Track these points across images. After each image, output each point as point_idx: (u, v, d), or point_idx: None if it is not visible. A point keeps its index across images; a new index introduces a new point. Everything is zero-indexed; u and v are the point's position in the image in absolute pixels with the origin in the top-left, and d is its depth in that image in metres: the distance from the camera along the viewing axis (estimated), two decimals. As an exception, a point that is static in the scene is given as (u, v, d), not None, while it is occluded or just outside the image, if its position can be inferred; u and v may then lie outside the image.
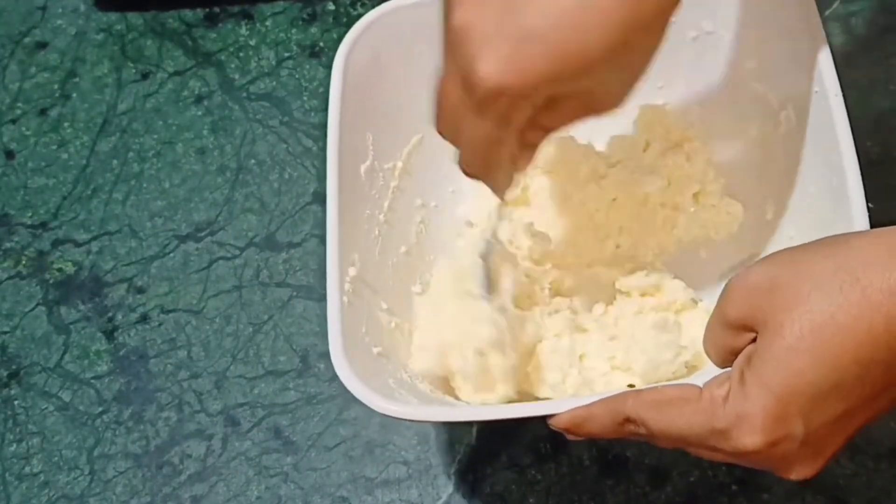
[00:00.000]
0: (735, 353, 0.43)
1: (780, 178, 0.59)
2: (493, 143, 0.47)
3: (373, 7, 0.61)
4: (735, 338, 0.43)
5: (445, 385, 0.56)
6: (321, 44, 0.77)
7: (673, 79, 0.63)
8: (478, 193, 0.64)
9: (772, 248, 0.58)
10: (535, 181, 0.63)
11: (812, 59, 0.54)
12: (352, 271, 0.54)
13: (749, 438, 0.41)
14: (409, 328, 0.58)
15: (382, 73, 0.61)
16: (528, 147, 0.50)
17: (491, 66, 0.43)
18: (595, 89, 0.45)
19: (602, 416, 0.46)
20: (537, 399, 0.56)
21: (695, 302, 0.59)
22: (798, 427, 0.40)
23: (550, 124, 0.49)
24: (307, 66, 0.76)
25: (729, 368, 0.43)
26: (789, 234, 0.57)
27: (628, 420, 0.45)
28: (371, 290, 0.56)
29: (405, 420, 0.53)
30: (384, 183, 0.60)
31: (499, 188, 0.52)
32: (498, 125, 0.46)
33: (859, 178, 0.51)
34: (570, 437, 0.48)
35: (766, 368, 0.40)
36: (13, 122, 0.78)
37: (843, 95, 0.53)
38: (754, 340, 0.42)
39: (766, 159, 0.60)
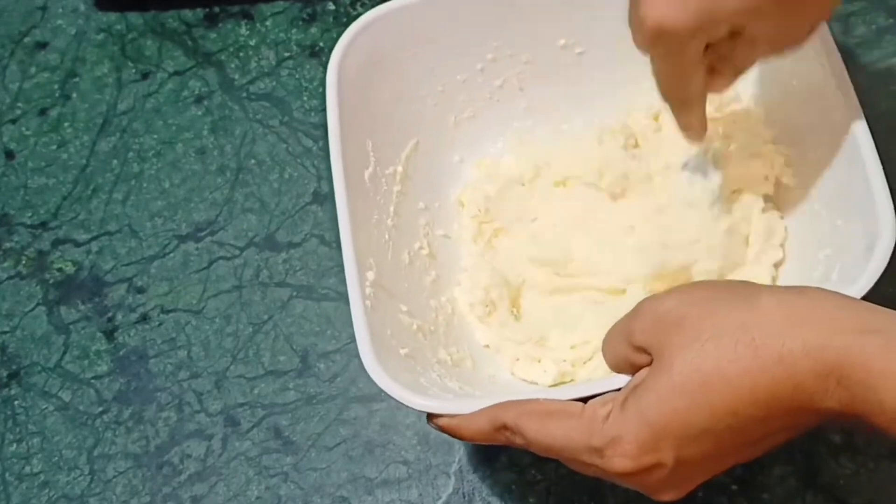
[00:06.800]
0: (630, 366, 0.46)
1: (792, 149, 0.59)
2: (672, 77, 0.52)
3: (373, 7, 0.61)
4: (634, 354, 0.45)
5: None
6: (321, 44, 0.77)
7: None
8: (476, 189, 0.65)
9: (796, 215, 0.59)
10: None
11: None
12: (370, 276, 0.55)
13: (619, 461, 0.43)
14: (429, 329, 0.58)
15: (376, 79, 0.61)
16: (721, 76, 0.54)
17: (650, 9, 0.48)
18: (769, 29, 0.50)
19: (479, 422, 0.48)
20: None
21: None
22: (668, 458, 0.42)
23: (736, 61, 0.52)
24: (307, 66, 0.76)
25: (614, 392, 0.45)
26: (811, 203, 0.57)
27: (505, 427, 0.46)
28: (389, 294, 0.56)
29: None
30: (387, 188, 0.61)
31: (690, 128, 0.56)
32: (669, 61, 0.50)
33: (871, 140, 0.52)
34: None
35: (648, 400, 0.42)
36: (13, 122, 0.78)
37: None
38: (649, 364, 0.44)
39: (772, 128, 0.61)
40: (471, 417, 0.48)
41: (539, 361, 0.59)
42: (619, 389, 0.46)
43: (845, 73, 0.54)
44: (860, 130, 0.52)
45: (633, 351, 0.45)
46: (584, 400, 0.47)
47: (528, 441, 0.46)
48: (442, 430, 0.50)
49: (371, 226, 0.58)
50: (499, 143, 0.66)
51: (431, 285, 0.61)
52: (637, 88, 0.65)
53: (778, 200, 0.61)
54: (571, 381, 0.58)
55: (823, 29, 0.55)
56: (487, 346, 0.61)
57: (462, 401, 0.51)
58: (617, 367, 0.47)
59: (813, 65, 0.56)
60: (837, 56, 0.55)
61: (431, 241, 0.62)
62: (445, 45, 0.63)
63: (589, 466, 0.45)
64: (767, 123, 0.61)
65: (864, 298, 0.47)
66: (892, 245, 0.49)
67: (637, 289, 0.59)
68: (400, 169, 0.62)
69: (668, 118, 0.64)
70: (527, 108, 0.66)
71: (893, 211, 0.50)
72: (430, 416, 0.50)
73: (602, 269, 0.61)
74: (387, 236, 0.59)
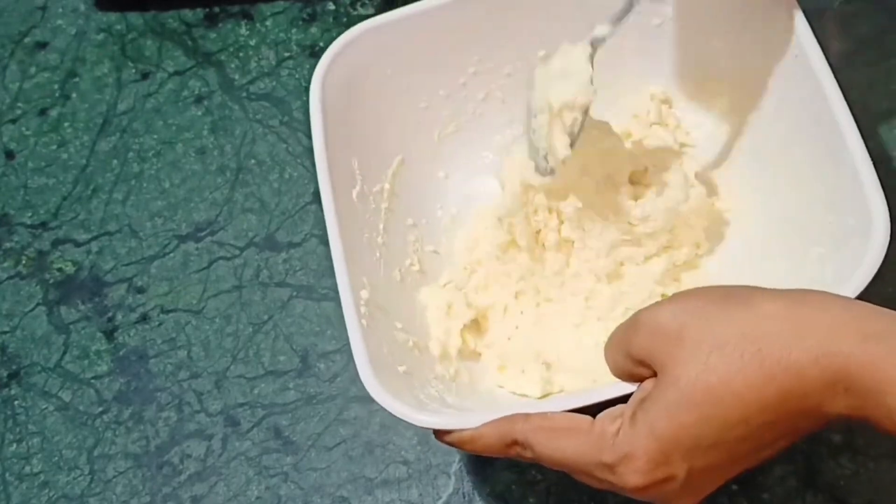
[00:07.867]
0: (632, 377, 0.46)
1: (772, 151, 0.59)
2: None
3: (373, 7, 0.61)
4: (635, 367, 0.46)
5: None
6: (321, 44, 0.77)
7: (648, 67, 0.64)
8: (465, 200, 0.65)
9: (788, 213, 0.58)
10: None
11: (786, 26, 0.54)
12: (364, 294, 0.54)
13: (632, 477, 0.43)
14: (424, 345, 0.58)
15: (359, 97, 0.61)
16: None
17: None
18: None
19: (489, 437, 0.48)
20: None
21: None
22: (680, 470, 0.43)
23: None
24: (307, 66, 0.76)
25: (621, 405, 0.45)
26: (802, 201, 0.57)
27: (516, 443, 0.47)
28: (383, 312, 0.56)
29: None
30: (375, 206, 0.61)
31: None
32: None
33: (856, 132, 0.51)
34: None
35: (656, 415, 0.43)
36: (13, 122, 0.78)
37: (843, 95, 0.53)
38: (652, 374, 0.44)
39: (745, 129, 0.61)
40: (480, 432, 0.48)
41: (523, 372, 0.59)
42: (621, 398, 0.46)
43: (829, 70, 0.54)
44: (847, 126, 0.52)
45: (633, 364, 0.45)
46: (592, 408, 0.47)
47: (538, 456, 0.46)
48: (452, 445, 0.50)
49: (362, 245, 0.58)
50: (483, 156, 0.66)
51: (423, 301, 0.61)
52: (616, 101, 0.64)
53: (770, 199, 0.61)
54: (561, 391, 0.58)
55: (806, 31, 0.55)
56: (479, 354, 0.61)
57: (463, 416, 0.51)
58: (620, 377, 0.47)
59: (794, 61, 0.56)
60: (820, 54, 0.54)
61: (422, 258, 0.62)
62: (426, 61, 0.62)
63: (600, 481, 0.45)
64: (752, 126, 0.61)
65: (863, 297, 0.47)
66: (886, 242, 0.49)
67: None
68: (387, 186, 0.62)
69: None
70: (510, 120, 0.65)
71: (886, 207, 0.50)
72: (438, 433, 0.50)
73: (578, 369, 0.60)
74: (378, 254, 0.59)
